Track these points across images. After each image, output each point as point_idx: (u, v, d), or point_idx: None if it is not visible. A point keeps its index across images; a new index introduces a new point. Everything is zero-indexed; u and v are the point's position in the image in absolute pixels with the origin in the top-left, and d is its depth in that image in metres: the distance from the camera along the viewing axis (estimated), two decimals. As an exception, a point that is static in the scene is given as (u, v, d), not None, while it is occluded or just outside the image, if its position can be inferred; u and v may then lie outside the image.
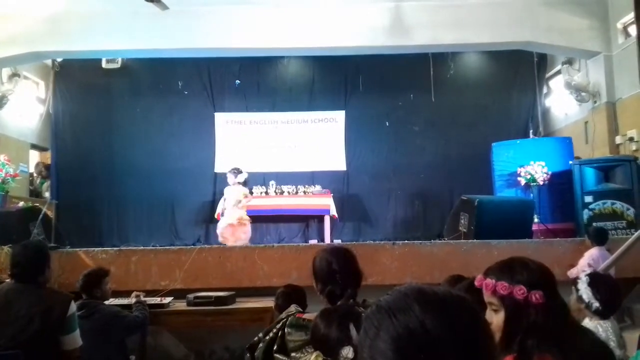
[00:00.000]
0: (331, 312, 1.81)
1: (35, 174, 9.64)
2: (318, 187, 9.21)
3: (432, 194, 9.68)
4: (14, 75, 8.73)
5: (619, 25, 7.78)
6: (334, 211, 8.88)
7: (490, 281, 1.52)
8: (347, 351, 1.59)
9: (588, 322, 2.33)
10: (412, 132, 9.89)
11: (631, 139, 7.44)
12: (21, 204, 7.27)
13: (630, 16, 6.99)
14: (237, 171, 7.31)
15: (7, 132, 8.74)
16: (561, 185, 7.22)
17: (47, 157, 9.97)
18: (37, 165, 9.73)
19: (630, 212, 6.57)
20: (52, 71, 9.84)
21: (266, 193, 9.11)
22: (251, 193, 8.13)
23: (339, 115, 10.04)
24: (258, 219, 8.73)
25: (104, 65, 9.61)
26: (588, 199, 6.76)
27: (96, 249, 5.28)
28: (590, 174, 6.85)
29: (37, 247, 2.95)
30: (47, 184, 9.50)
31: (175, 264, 4.98)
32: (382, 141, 9.89)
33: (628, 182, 6.66)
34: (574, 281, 2.47)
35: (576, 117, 8.89)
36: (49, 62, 9.72)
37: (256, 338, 2.30)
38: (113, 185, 9.66)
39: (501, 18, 7.92)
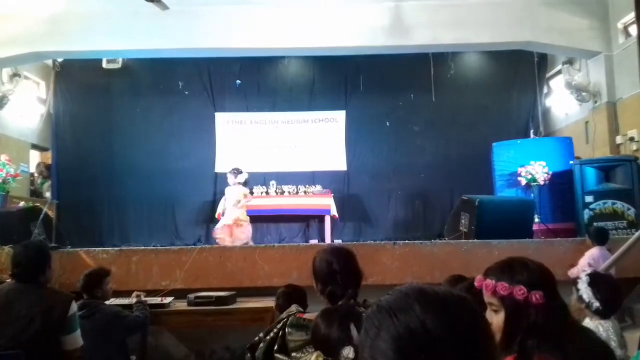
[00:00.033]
0: (332, 312, 1.82)
1: (36, 174, 9.65)
2: (318, 187, 9.21)
3: (433, 194, 9.68)
4: (15, 75, 8.74)
5: (620, 25, 7.78)
6: (334, 211, 8.88)
7: (490, 282, 1.52)
8: (348, 351, 1.59)
9: (589, 322, 2.32)
10: (413, 132, 9.89)
11: (632, 139, 7.44)
12: (22, 204, 7.28)
13: (631, 16, 7.00)
14: (237, 171, 7.31)
15: (7, 132, 8.75)
16: (562, 185, 7.22)
17: (48, 157, 9.97)
18: (38, 165, 9.74)
19: (631, 212, 6.57)
20: (53, 71, 9.85)
21: (267, 193, 9.11)
22: (252, 193, 8.13)
23: (340, 115, 10.05)
24: (259, 219, 8.75)
25: (104, 65, 9.62)
26: (589, 198, 6.76)
27: (97, 249, 5.29)
28: (590, 173, 6.85)
29: (38, 247, 2.95)
30: (47, 184, 9.50)
31: (176, 264, 4.98)
32: (382, 141, 9.89)
33: (628, 182, 6.66)
34: (575, 281, 2.47)
35: (577, 117, 8.89)
36: (49, 62, 9.73)
37: (257, 338, 2.31)
38: (114, 185, 9.66)
39: (501, 18, 7.91)
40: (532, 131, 9.40)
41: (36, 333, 2.60)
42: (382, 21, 7.96)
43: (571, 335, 1.48)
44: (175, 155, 9.69)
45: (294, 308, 2.36)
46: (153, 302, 4.19)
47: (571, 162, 7.24)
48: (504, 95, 9.97)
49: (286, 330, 2.11)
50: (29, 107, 9.42)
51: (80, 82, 9.90)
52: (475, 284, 1.57)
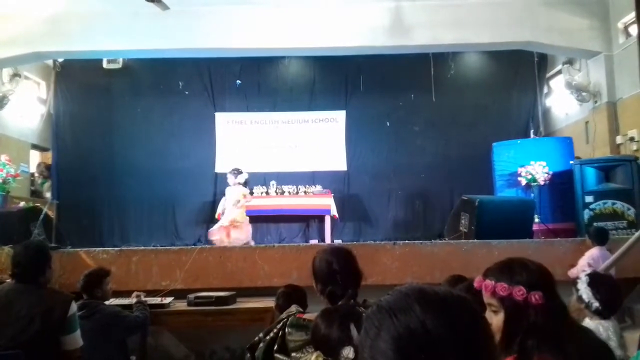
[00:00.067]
0: (332, 312, 1.82)
1: (36, 174, 9.65)
2: (319, 187, 9.21)
3: (433, 194, 9.68)
4: (15, 75, 8.74)
5: (620, 25, 7.78)
6: (334, 211, 8.88)
7: (489, 282, 1.51)
8: (348, 351, 1.59)
9: (589, 322, 2.32)
10: (413, 132, 9.89)
11: (632, 139, 7.43)
12: (22, 204, 7.28)
13: (631, 16, 7.00)
14: (237, 172, 7.30)
15: (8, 132, 8.75)
16: (562, 185, 7.22)
17: (48, 157, 9.97)
18: (39, 165, 9.74)
19: (631, 212, 6.57)
20: (53, 71, 9.85)
21: (267, 193, 9.11)
22: (252, 193, 8.13)
23: (340, 115, 10.05)
24: (259, 219, 8.75)
25: (104, 65, 9.62)
26: (589, 198, 6.76)
27: (97, 249, 5.29)
28: (590, 173, 6.85)
29: (38, 247, 2.95)
30: (48, 184, 9.50)
31: (176, 264, 4.98)
32: (382, 141, 9.89)
33: (629, 182, 6.66)
34: (575, 281, 2.47)
35: (577, 117, 8.89)
36: (49, 62, 9.73)
37: (257, 338, 2.31)
38: (114, 186, 9.66)
39: (501, 18, 7.91)
40: (532, 131, 9.40)
41: (36, 333, 2.60)
42: (382, 21, 7.96)
43: (571, 335, 1.48)
44: (176, 155, 9.69)
45: (293, 308, 2.36)
46: (153, 302, 4.19)
47: (571, 162, 7.25)
48: (504, 95, 9.97)
49: (286, 330, 2.11)
50: (29, 107, 9.42)
51: (80, 82, 9.90)
52: (475, 284, 1.57)
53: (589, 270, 2.81)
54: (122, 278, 4.71)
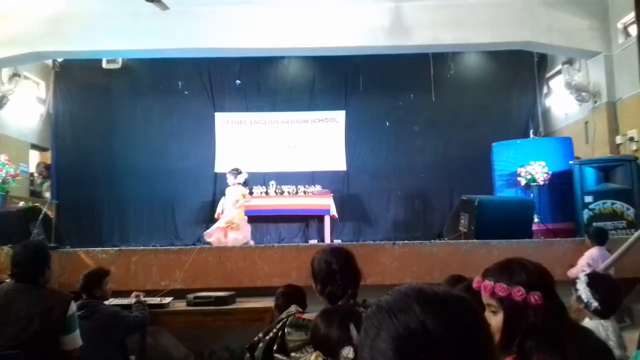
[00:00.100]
0: (331, 312, 1.81)
1: (35, 174, 9.64)
2: (318, 187, 9.21)
3: (432, 194, 9.69)
4: (15, 75, 8.73)
5: (619, 25, 7.78)
6: (334, 211, 8.88)
7: (488, 283, 1.51)
8: (348, 351, 1.59)
9: (589, 322, 2.33)
10: (412, 132, 9.89)
11: (631, 139, 7.44)
12: (21, 204, 7.27)
13: (631, 16, 7.00)
14: (236, 172, 7.29)
15: (7, 132, 8.74)
16: (561, 185, 7.22)
17: (48, 157, 9.97)
18: (38, 165, 9.74)
19: (630, 212, 6.57)
20: (53, 71, 9.84)
21: (266, 193, 9.11)
22: (251, 193, 8.12)
23: (339, 115, 10.05)
24: (258, 219, 8.75)
25: (104, 65, 9.61)
26: (588, 198, 6.76)
27: (96, 249, 5.29)
28: (590, 174, 6.85)
29: (37, 247, 2.95)
30: (47, 184, 9.50)
31: (175, 264, 4.98)
32: (382, 141, 9.89)
33: (628, 182, 6.66)
34: (574, 281, 2.47)
35: (576, 117, 8.89)
36: (49, 62, 9.72)
37: (256, 338, 2.30)
38: (113, 186, 9.66)
39: (501, 18, 7.91)
40: (531, 131, 9.40)
41: (35, 333, 2.60)
42: (382, 21, 7.96)
43: (570, 335, 1.48)
44: (175, 156, 9.69)
45: (293, 308, 2.36)
46: (152, 302, 4.19)
47: (571, 162, 7.25)
48: (504, 95, 9.97)
49: (286, 330, 2.11)
50: (29, 107, 9.42)
51: (80, 82, 9.90)
52: (474, 285, 1.57)
53: (588, 270, 2.81)
54: (122, 278, 4.71)
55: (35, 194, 9.34)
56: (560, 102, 9.50)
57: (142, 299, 4.05)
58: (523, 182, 7.43)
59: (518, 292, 1.45)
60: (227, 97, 10.09)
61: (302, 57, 9.96)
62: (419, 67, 9.57)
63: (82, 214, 9.40)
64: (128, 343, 3.82)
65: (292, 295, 3.28)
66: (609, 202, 6.67)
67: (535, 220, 6.73)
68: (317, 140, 9.98)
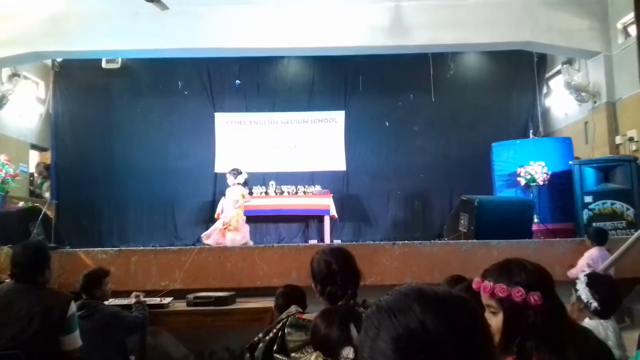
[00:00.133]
0: (331, 313, 1.81)
1: (35, 174, 9.64)
2: (318, 188, 9.21)
3: (432, 194, 9.69)
4: (14, 75, 8.73)
5: (619, 25, 7.78)
6: (333, 211, 8.88)
7: (488, 283, 1.51)
8: (348, 351, 1.59)
9: (589, 322, 2.33)
10: (412, 132, 9.89)
11: (631, 139, 7.44)
12: (21, 204, 7.26)
13: (630, 16, 7.00)
14: (236, 172, 7.29)
15: (7, 132, 8.74)
16: (561, 185, 7.22)
17: (47, 157, 9.96)
18: (38, 165, 9.73)
19: (630, 212, 6.57)
20: (52, 71, 9.84)
21: (266, 193, 9.11)
22: (251, 193, 8.12)
23: (339, 116, 10.05)
24: (258, 219, 8.75)
25: (104, 65, 9.61)
26: (588, 199, 6.76)
27: (96, 249, 5.29)
28: (590, 174, 6.85)
29: (37, 248, 2.95)
30: (47, 184, 9.50)
31: (175, 264, 4.98)
32: (382, 141, 9.89)
33: (628, 182, 6.66)
34: (574, 281, 2.47)
35: (576, 117, 8.89)
36: (49, 62, 9.72)
37: (256, 338, 2.30)
38: (113, 186, 9.66)
39: (501, 18, 7.92)
40: (531, 131, 9.40)
41: (35, 333, 2.60)
42: (382, 21, 7.96)
43: (570, 335, 1.48)
44: (175, 156, 9.69)
45: (293, 308, 2.36)
46: (152, 302, 4.19)
47: (570, 162, 7.25)
48: (504, 96, 9.97)
49: (286, 330, 2.11)
50: (28, 107, 9.41)
51: (79, 82, 9.90)
52: (473, 286, 1.56)
53: (588, 271, 2.81)
54: (122, 278, 4.71)
55: (35, 194, 9.33)
56: (560, 102, 9.50)
57: (142, 299, 4.05)
58: (523, 182, 7.44)
59: (518, 293, 1.45)
60: (227, 97, 10.08)
61: (301, 57, 9.96)
62: (419, 67, 9.57)
63: (81, 214, 9.40)
64: (128, 343, 3.82)
65: (292, 295, 3.28)
66: (608, 202, 6.67)
67: (535, 220, 6.73)
68: (316, 140, 9.98)
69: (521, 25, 7.97)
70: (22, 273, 2.77)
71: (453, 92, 9.80)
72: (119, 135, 9.88)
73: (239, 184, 7.20)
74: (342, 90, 10.06)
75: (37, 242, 3.69)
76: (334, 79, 10.09)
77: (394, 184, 9.74)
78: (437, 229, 8.92)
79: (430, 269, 4.93)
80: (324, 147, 9.96)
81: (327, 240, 8.66)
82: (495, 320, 1.48)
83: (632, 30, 7.18)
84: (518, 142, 8.12)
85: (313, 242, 8.65)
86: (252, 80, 10.06)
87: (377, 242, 6.82)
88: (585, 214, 6.72)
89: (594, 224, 6.30)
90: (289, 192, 9.13)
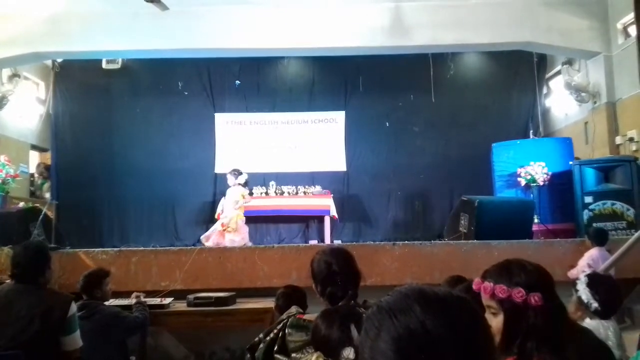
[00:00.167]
0: (332, 313, 1.81)
1: (35, 175, 9.64)
2: (318, 188, 9.21)
3: (432, 194, 9.69)
4: (14, 75, 8.73)
5: (619, 26, 7.78)
6: (334, 212, 8.88)
7: (488, 284, 1.51)
8: (348, 352, 1.59)
9: (589, 322, 2.33)
10: (412, 132, 9.89)
11: (631, 139, 7.44)
12: (21, 204, 7.27)
13: (630, 16, 7.00)
14: (237, 172, 7.29)
15: (7, 132, 8.74)
16: (561, 185, 7.22)
17: (48, 158, 9.97)
18: (38, 165, 9.74)
19: (630, 212, 6.57)
20: (52, 72, 9.84)
21: (266, 193, 9.11)
22: (251, 194, 8.12)
23: (339, 116, 10.05)
24: (258, 219, 8.75)
25: (104, 65, 9.62)
26: (588, 199, 6.76)
27: (96, 249, 5.29)
28: (590, 174, 6.85)
29: (37, 248, 2.95)
30: (47, 184, 9.50)
31: (176, 265, 4.98)
32: (382, 142, 9.89)
33: (628, 182, 6.66)
34: (574, 282, 2.47)
35: (576, 117, 8.89)
36: (49, 62, 9.72)
37: (257, 339, 2.31)
38: (113, 186, 9.66)
39: (501, 18, 7.92)
40: (531, 132, 9.40)
41: (36, 334, 2.60)
42: (382, 21, 7.96)
43: (570, 336, 1.48)
44: (175, 156, 9.70)
45: (293, 309, 2.36)
46: (152, 302, 4.19)
47: (571, 162, 7.25)
48: (504, 96, 9.98)
49: (286, 331, 2.11)
50: (29, 108, 9.41)
51: (79, 83, 9.90)
52: (474, 287, 1.56)
53: (588, 271, 2.81)
54: (122, 279, 4.71)
55: (35, 194, 9.33)
56: (560, 102, 9.50)
57: (143, 299, 4.05)
58: (523, 182, 7.44)
59: (518, 294, 1.45)
60: (227, 98, 10.09)
61: (301, 57, 9.96)
62: (419, 67, 9.57)
63: (82, 215, 9.41)
64: (128, 344, 3.82)
65: (292, 295, 3.28)
66: (609, 202, 6.67)
67: (535, 220, 6.73)
68: (317, 140, 9.99)
69: (521, 25, 7.97)
70: (23, 273, 2.77)
71: (453, 93, 9.80)
72: (119, 136, 9.88)
73: (239, 184, 7.20)
74: (342, 91, 10.06)
75: (37, 243, 3.70)
76: (334, 79, 10.09)
77: (394, 184, 9.74)
78: (437, 229, 8.93)
79: (430, 270, 4.93)
80: (324, 147, 9.96)
81: (327, 240, 8.66)
82: (495, 321, 1.48)
83: (632, 30, 7.18)
84: (518, 142, 8.12)
85: (313, 242, 8.65)
86: (252, 81, 10.07)
87: (377, 242, 6.82)
88: (586, 215, 6.72)
89: (594, 225, 6.30)
90: (289, 193, 9.13)
